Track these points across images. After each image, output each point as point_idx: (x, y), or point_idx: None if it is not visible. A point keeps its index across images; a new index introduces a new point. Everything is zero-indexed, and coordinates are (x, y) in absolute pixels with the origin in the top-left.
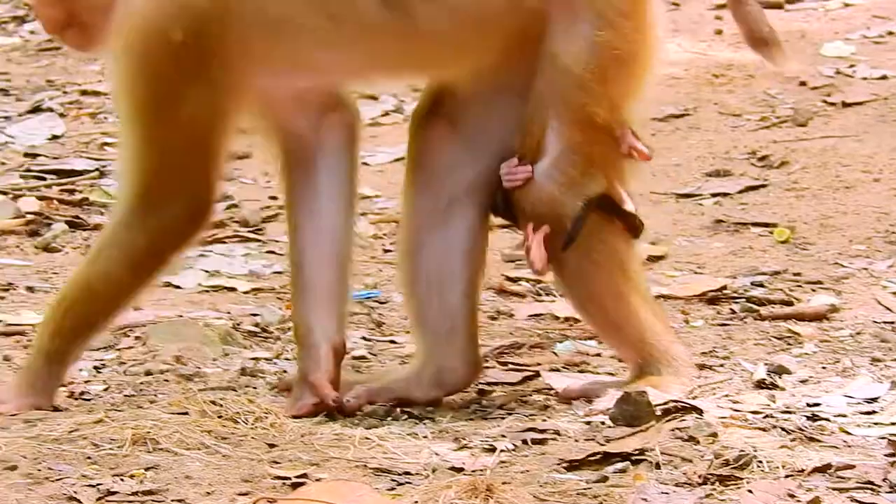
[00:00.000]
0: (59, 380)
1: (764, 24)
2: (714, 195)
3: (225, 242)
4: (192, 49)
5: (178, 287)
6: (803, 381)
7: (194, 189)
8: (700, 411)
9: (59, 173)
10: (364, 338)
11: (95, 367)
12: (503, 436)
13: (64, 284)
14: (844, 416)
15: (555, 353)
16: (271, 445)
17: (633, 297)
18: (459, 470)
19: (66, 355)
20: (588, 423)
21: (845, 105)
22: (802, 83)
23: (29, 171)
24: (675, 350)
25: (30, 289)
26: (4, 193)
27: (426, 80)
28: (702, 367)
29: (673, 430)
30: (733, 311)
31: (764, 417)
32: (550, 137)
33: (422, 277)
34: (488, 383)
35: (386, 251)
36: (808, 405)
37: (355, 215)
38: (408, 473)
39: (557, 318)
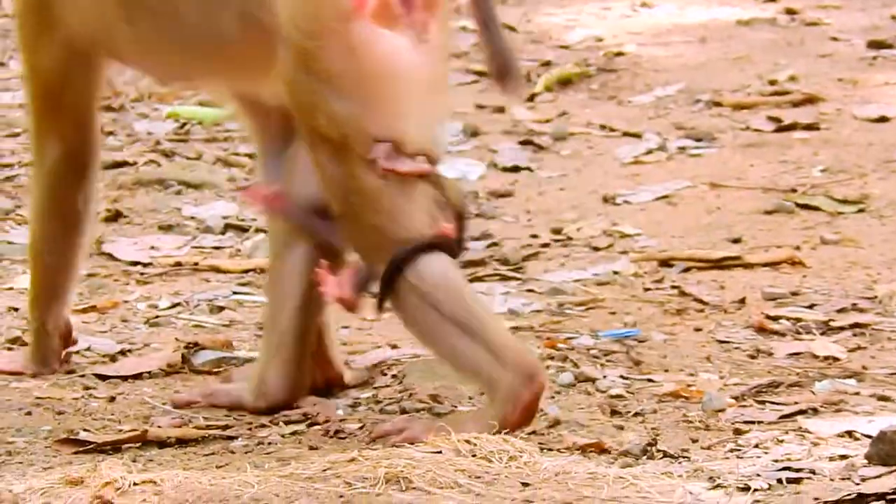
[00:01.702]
0: (50, 347)
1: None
2: None
3: (484, 280)
4: (40, 8)
5: None
6: None
7: (67, 137)
8: None
9: None
10: (622, 376)
11: (351, 405)
12: (758, 475)
13: None
14: None
15: (813, 393)
16: (525, 484)
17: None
18: None
19: (42, 322)
20: (844, 463)
21: None
22: None
23: None
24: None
25: None
26: None
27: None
28: None
29: None
30: None
31: None
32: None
33: (275, 285)
34: (745, 422)
35: (646, 290)
36: None
37: None
38: None
39: (817, 356)
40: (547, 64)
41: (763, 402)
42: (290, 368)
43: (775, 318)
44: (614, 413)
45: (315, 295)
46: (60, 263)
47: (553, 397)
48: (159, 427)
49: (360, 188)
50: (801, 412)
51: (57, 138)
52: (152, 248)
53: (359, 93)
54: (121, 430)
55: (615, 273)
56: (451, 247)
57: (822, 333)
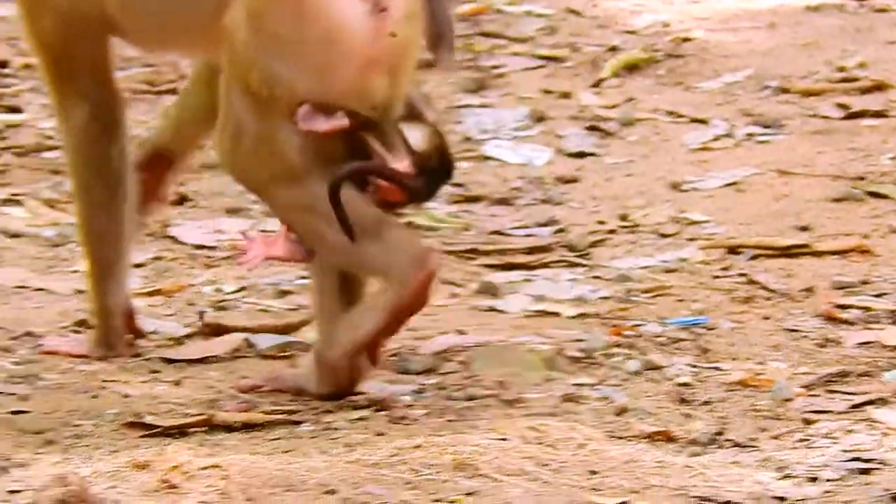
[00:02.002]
0: (113, 330)
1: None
2: None
3: (551, 267)
4: None
5: (502, 312)
6: None
7: (89, 95)
8: None
9: None
10: (690, 364)
11: (417, 392)
12: (827, 465)
13: None
14: None
15: (882, 382)
16: (592, 472)
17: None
18: (782, 499)
19: (103, 302)
20: None
21: None
22: None
23: None
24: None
25: None
26: None
27: None
28: None
29: None
30: None
31: None
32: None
33: (316, 268)
34: (814, 411)
35: (714, 277)
36: None
37: None
38: (729, 503)
39: (886, 346)
40: (613, 49)
41: (832, 392)
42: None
43: (844, 307)
44: (682, 401)
45: (354, 281)
46: (109, 233)
47: (620, 385)
48: (226, 411)
49: (272, 143)
50: (871, 402)
51: (79, 98)
52: (218, 231)
53: (300, 57)
54: (187, 415)
55: (682, 260)
56: (396, 179)
57: (891, 322)
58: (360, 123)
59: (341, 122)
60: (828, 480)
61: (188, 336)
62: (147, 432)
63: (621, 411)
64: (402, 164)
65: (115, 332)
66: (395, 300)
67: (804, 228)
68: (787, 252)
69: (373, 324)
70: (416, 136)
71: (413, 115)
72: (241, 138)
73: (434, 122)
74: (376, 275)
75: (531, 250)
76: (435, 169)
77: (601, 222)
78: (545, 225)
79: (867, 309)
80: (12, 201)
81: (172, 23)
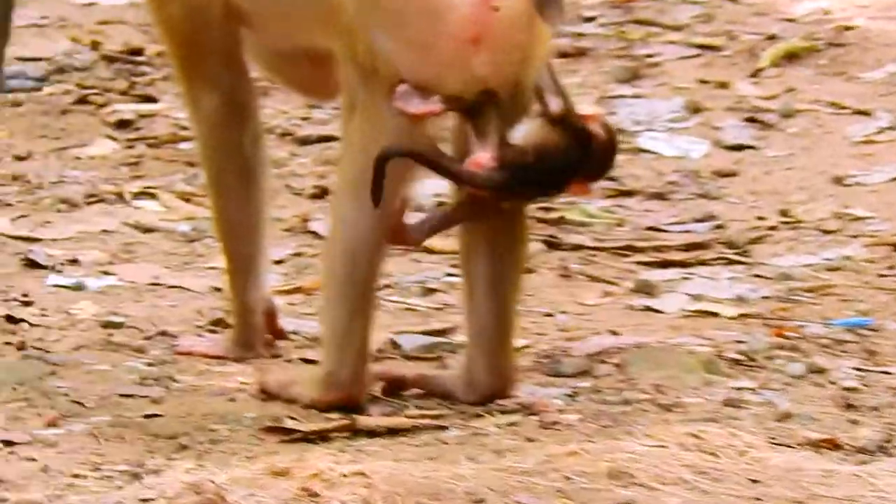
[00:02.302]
0: (252, 329)
1: None
2: None
3: (709, 265)
4: None
5: (659, 312)
6: None
7: (219, 81)
8: None
9: None
10: (856, 367)
11: (569, 395)
12: None
13: None
14: None
15: None
16: (754, 481)
17: None
18: None
19: (242, 299)
20: None
21: None
22: None
23: None
24: None
25: None
26: None
27: None
28: None
29: None
30: None
31: None
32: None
33: (466, 264)
34: None
35: (880, 276)
36: None
37: None
38: None
39: None
40: (772, 38)
41: None
42: (495, 356)
43: None
44: (848, 407)
45: (508, 274)
46: (244, 225)
47: (783, 389)
48: (369, 416)
49: (377, 119)
50: None
51: (209, 84)
52: None
53: (400, 29)
54: (328, 419)
55: (847, 258)
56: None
57: None
58: (456, 108)
59: (434, 107)
60: None
61: None
62: (286, 437)
63: (784, 417)
64: (483, 156)
65: (254, 332)
66: (308, 399)
67: None
68: None
69: (299, 395)
70: (523, 129)
71: (537, 102)
72: (354, 111)
73: (557, 113)
74: (320, 336)
75: (688, 247)
76: (526, 166)
77: (761, 218)
78: (702, 221)
79: None
80: (146, 194)
81: (296, 9)
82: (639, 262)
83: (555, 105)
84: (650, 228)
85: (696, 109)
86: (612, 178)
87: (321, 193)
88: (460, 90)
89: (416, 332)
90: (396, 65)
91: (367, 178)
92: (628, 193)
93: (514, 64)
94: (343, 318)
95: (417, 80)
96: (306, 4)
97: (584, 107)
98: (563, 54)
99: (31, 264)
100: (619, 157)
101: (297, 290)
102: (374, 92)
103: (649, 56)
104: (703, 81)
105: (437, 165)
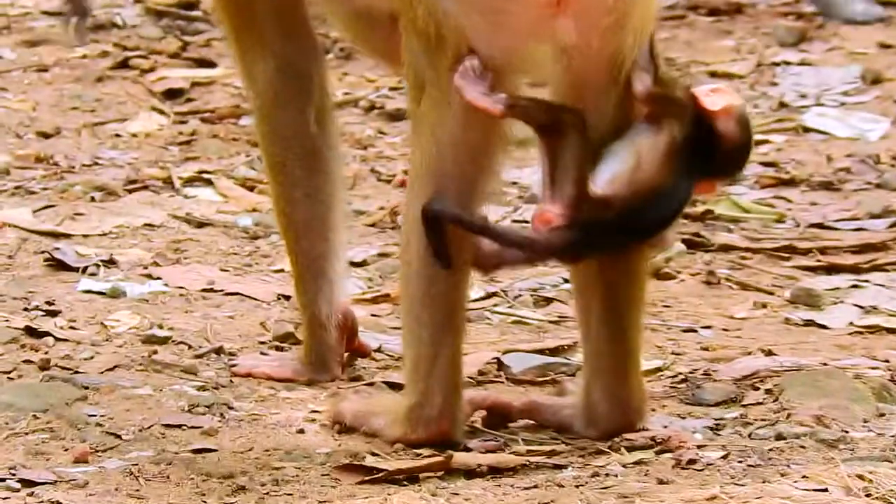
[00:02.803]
0: (327, 345)
1: None
2: None
3: (886, 270)
4: None
5: (823, 327)
6: None
7: (276, 50)
8: None
9: None
10: None
11: (712, 428)
12: None
13: None
14: None
15: None
16: None
17: None
18: None
19: (313, 310)
20: None
21: None
22: None
23: None
24: None
25: None
26: None
27: None
28: None
29: None
30: None
31: None
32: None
33: (578, 280)
34: None
35: None
36: None
37: None
38: None
39: None
40: None
41: None
42: (616, 386)
43: None
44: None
45: (624, 294)
46: (313, 220)
47: None
48: (467, 451)
49: (441, 103)
50: None
51: (265, 54)
52: None
53: None
54: (418, 455)
55: None
56: (522, 242)
57: None
58: (524, 119)
59: (496, 106)
60: None
61: None
62: (366, 477)
63: None
64: (549, 211)
65: (328, 350)
66: (391, 438)
67: None
68: None
69: (381, 429)
70: (613, 166)
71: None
72: (423, 91)
73: (643, 96)
74: (404, 369)
75: (861, 248)
76: (605, 224)
77: None
78: (879, 216)
79: None
80: (200, 180)
81: None
82: (800, 267)
83: (640, 85)
84: (815, 225)
85: (875, 80)
86: (769, 164)
87: None
88: (538, 70)
89: (527, 351)
90: (464, 28)
91: (442, 175)
92: (789, 182)
93: (606, 33)
94: (425, 342)
95: (488, 53)
96: None
97: (720, 96)
98: (713, 11)
99: (58, 265)
100: (781, 139)
101: (383, 298)
102: (439, 68)
103: (819, 14)
104: (885, 46)
105: (483, 233)
